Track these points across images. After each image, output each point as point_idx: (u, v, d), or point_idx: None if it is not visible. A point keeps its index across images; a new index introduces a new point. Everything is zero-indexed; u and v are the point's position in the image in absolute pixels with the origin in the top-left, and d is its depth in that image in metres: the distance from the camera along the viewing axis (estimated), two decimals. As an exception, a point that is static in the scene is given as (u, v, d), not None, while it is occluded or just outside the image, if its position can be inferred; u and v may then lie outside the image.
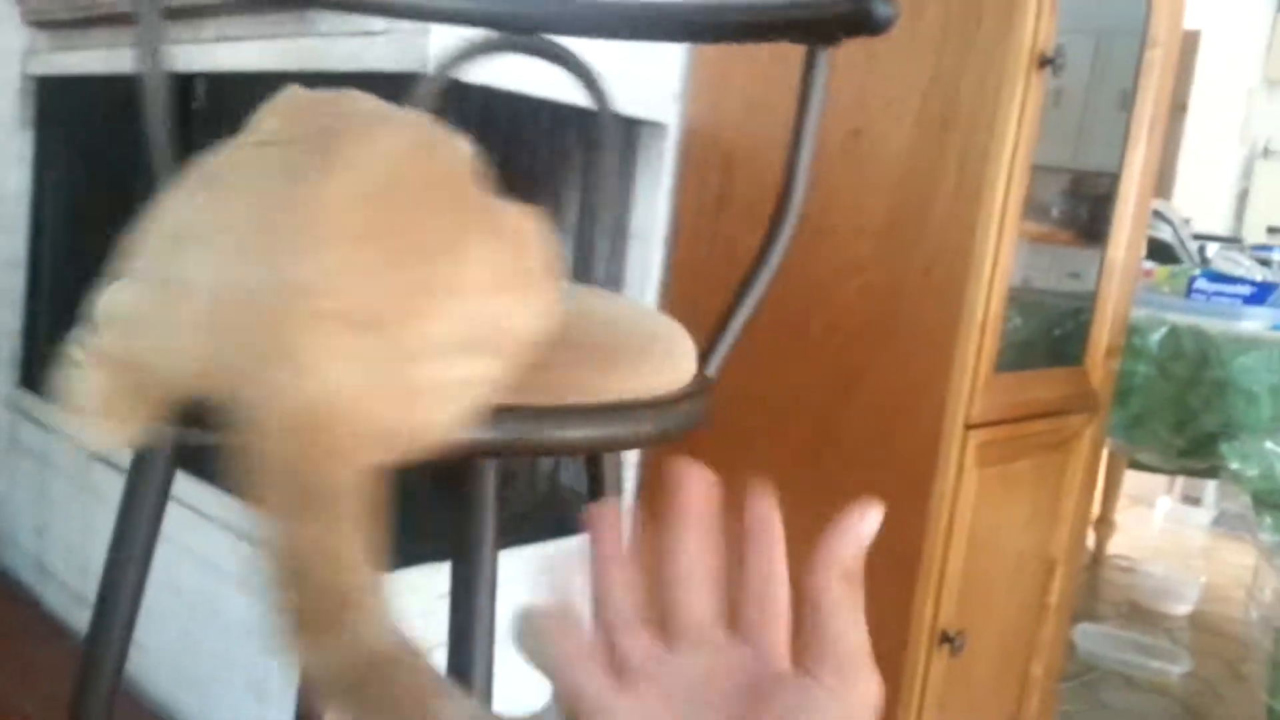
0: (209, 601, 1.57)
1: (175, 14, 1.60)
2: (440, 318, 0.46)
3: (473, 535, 0.58)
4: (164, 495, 0.65)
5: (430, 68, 1.27)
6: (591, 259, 1.57)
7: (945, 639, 1.30)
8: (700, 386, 0.68)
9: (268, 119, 0.54)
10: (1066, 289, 1.73)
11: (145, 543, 0.65)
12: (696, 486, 0.42)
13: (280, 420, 0.43)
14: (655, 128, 1.57)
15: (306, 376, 0.42)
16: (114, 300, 0.46)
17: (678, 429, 0.65)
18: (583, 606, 0.40)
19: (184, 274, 0.44)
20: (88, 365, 0.45)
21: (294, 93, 0.55)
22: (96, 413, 0.45)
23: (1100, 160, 1.65)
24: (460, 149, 0.53)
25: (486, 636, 0.57)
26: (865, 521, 0.40)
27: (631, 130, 1.58)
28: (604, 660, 0.38)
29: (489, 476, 0.60)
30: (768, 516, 0.42)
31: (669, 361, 0.66)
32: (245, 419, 0.43)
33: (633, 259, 1.59)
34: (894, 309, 1.29)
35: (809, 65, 0.75)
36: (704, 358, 0.70)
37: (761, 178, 1.45)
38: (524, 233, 0.53)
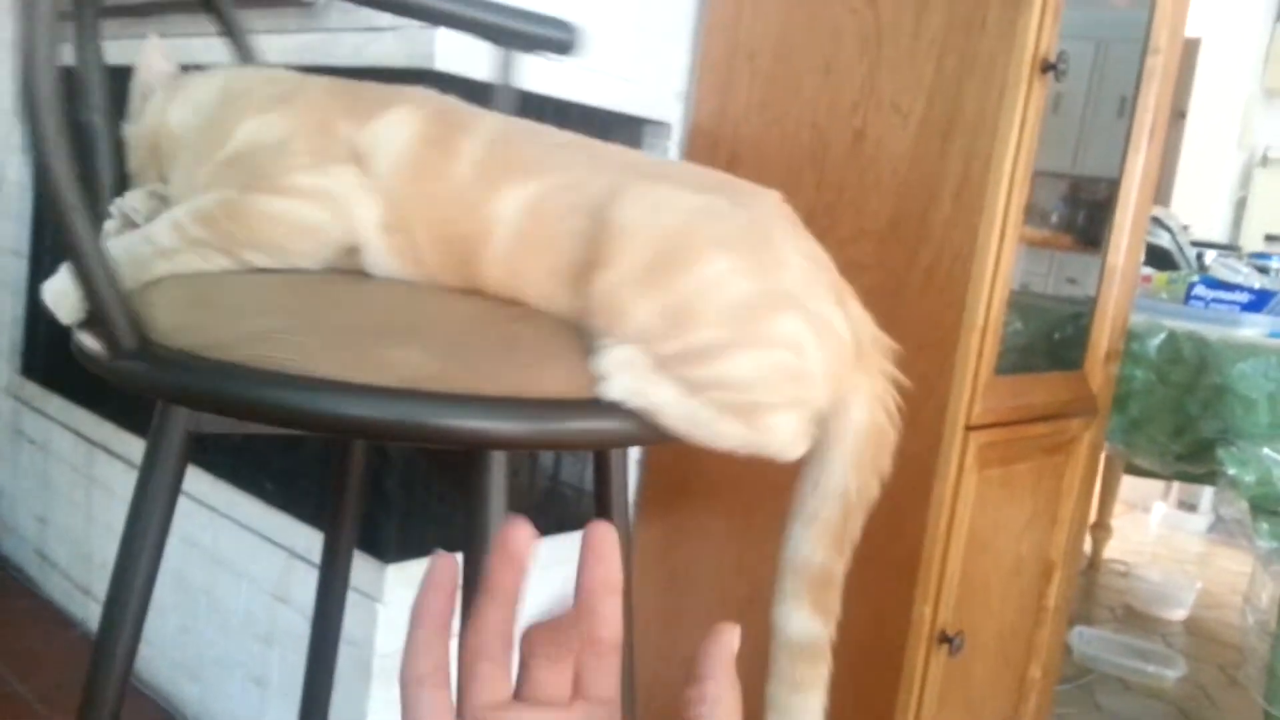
0: (211, 593, 1.58)
1: (179, 7, 1.60)
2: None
3: (483, 526, 0.59)
4: (175, 489, 0.66)
5: (437, 63, 1.28)
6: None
7: (944, 639, 1.31)
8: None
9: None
10: (1064, 294, 1.73)
11: (157, 536, 0.65)
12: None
13: (873, 430, 0.69)
14: (659, 126, 1.58)
15: (884, 397, 0.69)
16: (763, 359, 0.63)
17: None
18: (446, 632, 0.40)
19: (823, 333, 0.65)
20: (777, 410, 0.63)
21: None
22: (793, 439, 0.65)
23: (1098, 166, 1.66)
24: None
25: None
26: (734, 633, 0.41)
27: (635, 129, 1.58)
28: (446, 692, 0.39)
29: (499, 468, 0.60)
30: (609, 567, 0.42)
31: None
32: (848, 424, 0.66)
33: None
34: (895, 310, 1.30)
35: (504, 64, 0.89)
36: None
37: (765, 179, 1.45)
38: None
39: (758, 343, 0.59)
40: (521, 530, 0.40)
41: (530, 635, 0.40)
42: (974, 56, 1.25)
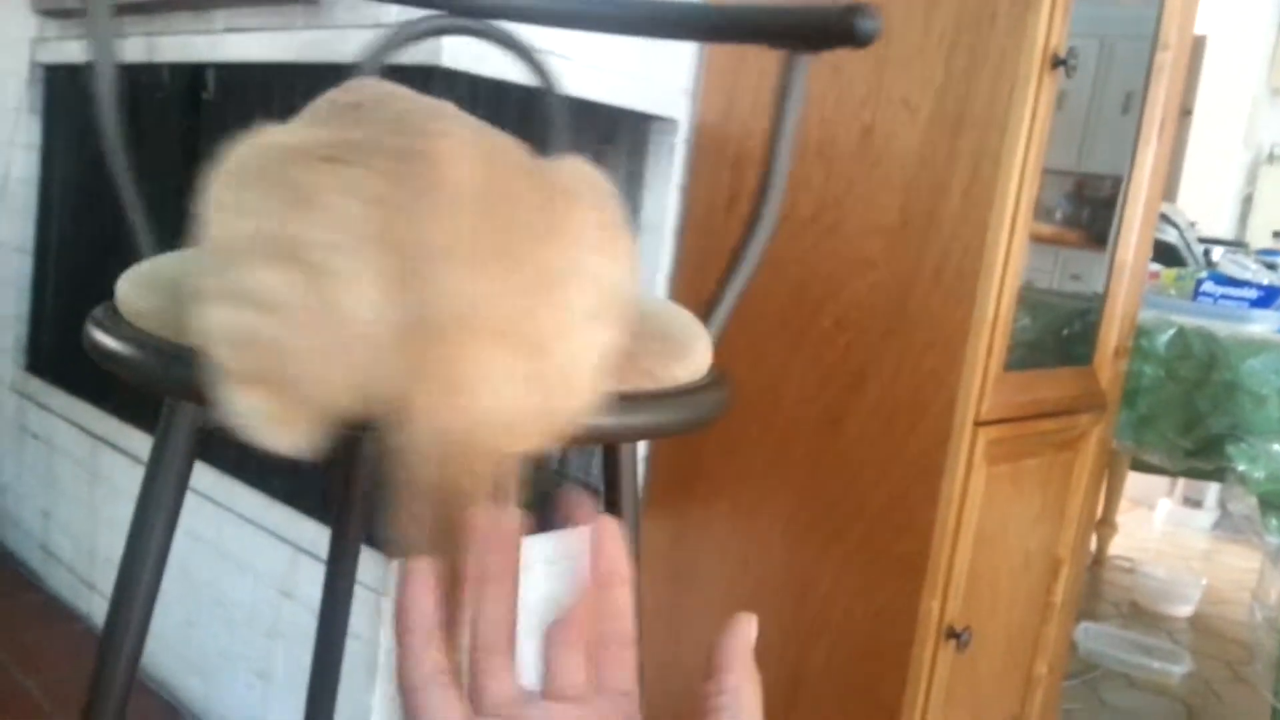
0: (214, 586, 1.57)
1: (184, 4, 1.60)
2: (571, 299, 0.47)
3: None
4: (183, 484, 0.65)
5: (444, 60, 1.27)
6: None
7: (951, 634, 1.31)
8: (720, 375, 0.69)
9: (316, 121, 0.54)
10: (1070, 290, 1.73)
11: (164, 532, 0.65)
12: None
13: (437, 442, 0.43)
14: (665, 123, 1.57)
15: (467, 397, 0.43)
16: (228, 321, 0.46)
17: (710, 416, 0.66)
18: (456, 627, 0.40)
19: (316, 296, 0.44)
20: (246, 390, 0.46)
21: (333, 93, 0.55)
22: (275, 429, 0.46)
23: (1103, 163, 1.65)
24: (500, 134, 0.54)
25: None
26: (751, 624, 0.41)
27: (642, 125, 1.58)
28: (457, 692, 0.38)
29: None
30: (615, 560, 0.43)
31: (697, 349, 0.67)
32: (403, 440, 0.44)
33: (644, 251, 1.60)
34: (904, 306, 1.30)
35: (789, 71, 0.75)
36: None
37: (773, 174, 1.45)
38: (596, 186, 0.53)
39: (228, 294, 0.47)
40: (510, 519, 0.40)
41: (548, 630, 0.40)
42: (984, 52, 1.24)
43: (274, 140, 0.50)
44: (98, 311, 0.62)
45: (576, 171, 0.54)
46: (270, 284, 0.44)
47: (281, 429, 0.46)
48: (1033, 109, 1.24)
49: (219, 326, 0.46)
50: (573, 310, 0.47)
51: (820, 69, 1.39)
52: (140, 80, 1.73)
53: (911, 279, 1.29)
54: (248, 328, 0.45)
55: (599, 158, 1.55)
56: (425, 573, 0.40)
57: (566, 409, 0.47)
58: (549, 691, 0.40)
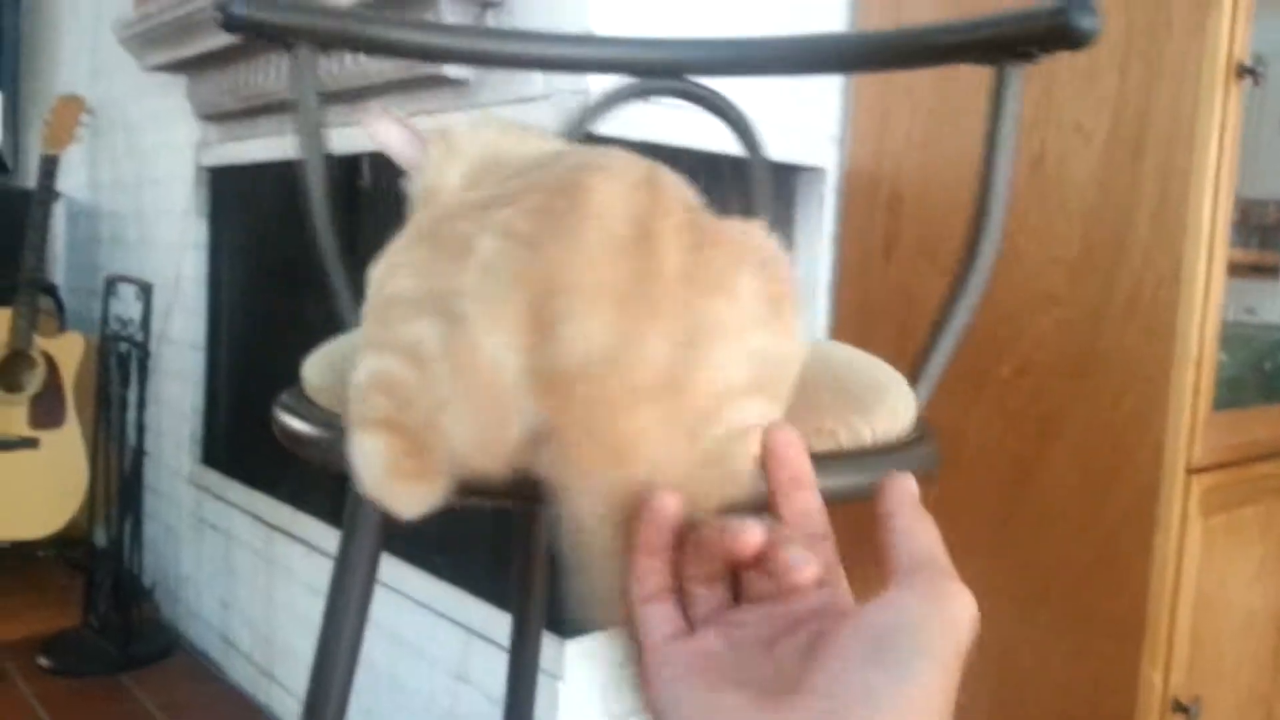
0: (390, 673, 1.57)
1: (338, 96, 1.65)
2: (727, 365, 0.43)
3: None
4: (372, 576, 0.63)
5: (592, 127, 1.26)
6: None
7: (1178, 708, 1.18)
8: (926, 430, 0.62)
9: (456, 169, 0.52)
10: (1250, 322, 1.59)
11: (355, 626, 0.62)
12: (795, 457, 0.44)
13: (605, 506, 0.42)
14: (812, 173, 1.53)
15: (629, 463, 0.41)
16: (376, 368, 0.45)
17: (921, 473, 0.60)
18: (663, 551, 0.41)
19: (460, 344, 0.42)
20: (373, 434, 0.44)
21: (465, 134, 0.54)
22: (393, 480, 0.44)
23: (1269, 188, 1.53)
24: (670, 175, 0.50)
25: None
26: (907, 478, 0.42)
27: (788, 177, 1.54)
28: (674, 609, 0.41)
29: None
30: (797, 466, 0.44)
31: (900, 403, 0.61)
32: (565, 500, 0.42)
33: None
34: (1095, 344, 1.20)
35: (999, 87, 0.68)
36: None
37: (932, 216, 1.38)
38: (767, 251, 0.48)
39: (382, 345, 0.45)
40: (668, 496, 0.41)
41: (681, 564, 0.41)
42: (1161, 65, 1.16)
43: (452, 199, 0.49)
44: (284, 395, 0.61)
45: (748, 233, 0.49)
46: (415, 333, 0.43)
47: (402, 481, 0.44)
48: (1220, 122, 1.14)
49: (364, 375, 0.45)
50: (727, 370, 0.43)
51: (976, 97, 1.32)
52: (295, 174, 1.79)
53: (1100, 314, 1.20)
54: (387, 374, 0.44)
55: (746, 214, 1.51)
56: (665, 505, 0.41)
57: (727, 474, 0.44)
58: (750, 597, 0.41)
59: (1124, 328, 1.17)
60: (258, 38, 0.78)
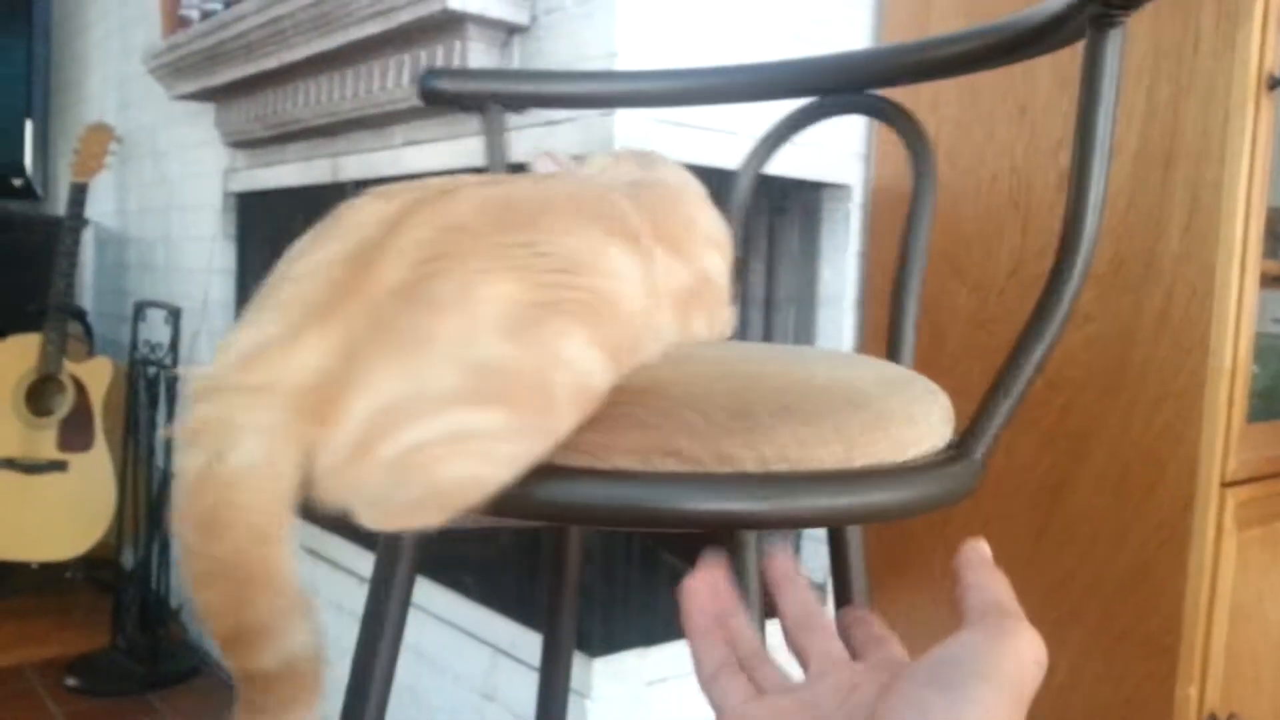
0: (414, 691, 1.57)
1: (364, 123, 1.67)
2: (403, 378, 0.42)
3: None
4: (407, 598, 0.63)
5: (618, 146, 1.27)
6: (776, 326, 1.53)
7: (1217, 725, 1.16)
8: (960, 449, 0.61)
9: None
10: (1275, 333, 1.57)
11: (390, 649, 0.62)
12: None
13: (188, 494, 0.41)
14: (839, 189, 1.53)
15: (226, 454, 0.40)
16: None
17: (943, 499, 0.58)
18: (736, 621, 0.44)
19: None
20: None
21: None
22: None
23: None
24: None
25: None
26: (981, 544, 0.43)
27: (813, 194, 1.54)
28: (744, 680, 0.42)
29: (750, 549, 0.55)
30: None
31: (914, 421, 0.59)
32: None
33: (822, 326, 1.54)
34: (1126, 359, 1.19)
35: (1092, 58, 0.58)
36: (965, 436, 0.62)
37: (958, 231, 1.38)
38: (579, 258, 0.49)
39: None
40: (715, 568, 0.44)
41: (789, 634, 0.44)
42: (1190, 79, 1.15)
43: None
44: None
45: (590, 250, 0.50)
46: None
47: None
48: (1252, 135, 1.13)
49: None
50: (404, 383, 0.43)
51: (1005, 116, 1.32)
52: (327, 200, 1.81)
53: (1132, 329, 1.19)
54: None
55: (772, 232, 1.51)
56: (707, 579, 0.44)
57: (422, 490, 0.44)
58: (812, 675, 0.42)
59: (1155, 342, 1.17)
60: (459, 110, 0.86)
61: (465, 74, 0.77)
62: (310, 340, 0.42)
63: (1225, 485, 1.14)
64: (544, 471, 0.47)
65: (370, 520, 0.44)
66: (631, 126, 1.24)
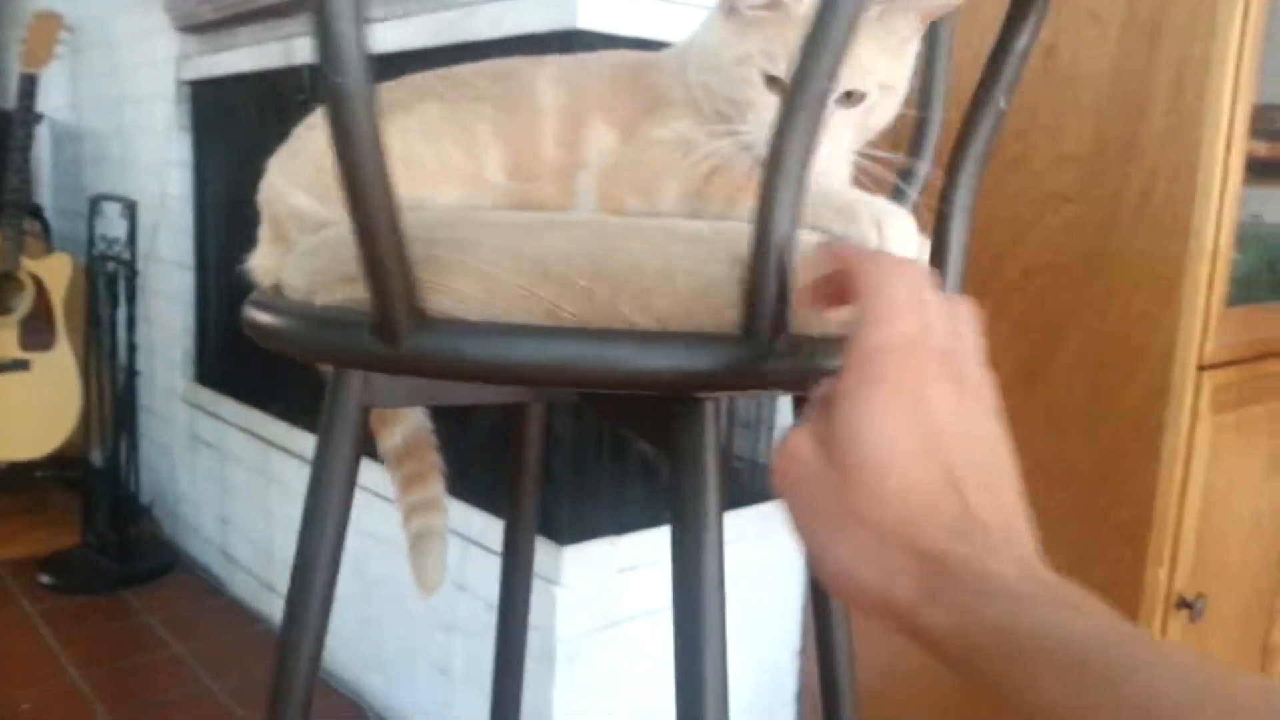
0: (389, 583, 1.57)
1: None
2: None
3: (696, 488, 0.51)
4: (354, 468, 0.61)
5: (580, 23, 1.21)
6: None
7: (1182, 604, 1.17)
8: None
9: None
10: (1269, 221, 1.54)
11: (336, 528, 0.60)
12: None
13: None
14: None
15: None
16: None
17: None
18: None
19: None
20: None
21: None
22: None
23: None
24: None
25: (717, 606, 0.50)
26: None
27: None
28: None
29: (709, 418, 0.52)
30: None
31: None
32: None
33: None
34: (1106, 243, 1.16)
35: None
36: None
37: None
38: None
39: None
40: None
41: None
42: (1181, -55, 1.10)
43: None
44: (255, 293, 0.58)
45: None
46: None
47: None
48: (1244, 8, 1.08)
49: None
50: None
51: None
52: (282, 85, 1.74)
53: (1112, 212, 1.16)
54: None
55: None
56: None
57: None
58: None
59: (1136, 225, 1.13)
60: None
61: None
62: None
63: (1202, 368, 1.12)
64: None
65: None
66: (596, 3, 1.17)
